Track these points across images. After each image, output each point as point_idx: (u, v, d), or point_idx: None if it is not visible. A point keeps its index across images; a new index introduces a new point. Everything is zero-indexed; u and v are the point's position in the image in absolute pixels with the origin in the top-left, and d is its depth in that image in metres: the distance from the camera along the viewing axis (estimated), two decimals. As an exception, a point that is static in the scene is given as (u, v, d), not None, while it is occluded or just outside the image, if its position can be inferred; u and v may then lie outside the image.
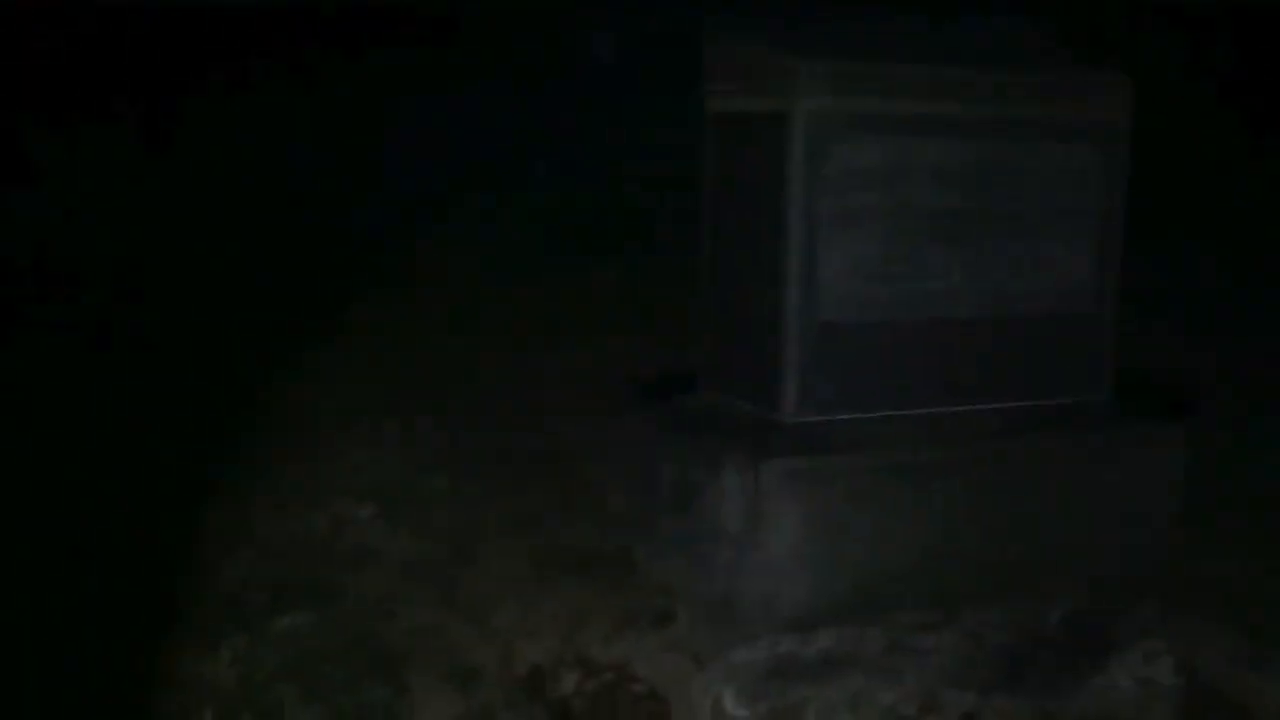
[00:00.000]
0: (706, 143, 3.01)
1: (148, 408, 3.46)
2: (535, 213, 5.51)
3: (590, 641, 2.90)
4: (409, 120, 5.66)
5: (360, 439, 3.47)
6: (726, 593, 2.77)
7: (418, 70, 5.94)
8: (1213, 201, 5.68)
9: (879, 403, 2.85)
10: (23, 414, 3.35)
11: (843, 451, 2.73)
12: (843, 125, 2.70)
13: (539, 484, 3.37)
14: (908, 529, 2.76)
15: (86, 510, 2.99)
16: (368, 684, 2.59)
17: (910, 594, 2.79)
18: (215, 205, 4.86)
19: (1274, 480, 3.64)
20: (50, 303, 3.96)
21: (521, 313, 4.50)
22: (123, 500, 3.03)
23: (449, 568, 3.01)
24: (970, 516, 2.80)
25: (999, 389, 2.94)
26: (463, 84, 6.00)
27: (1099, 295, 3.00)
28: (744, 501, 2.70)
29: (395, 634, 2.75)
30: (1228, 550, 3.21)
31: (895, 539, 2.75)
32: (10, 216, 4.42)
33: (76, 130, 5.00)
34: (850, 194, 2.73)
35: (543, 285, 4.74)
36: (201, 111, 5.39)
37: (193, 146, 5.19)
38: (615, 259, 4.98)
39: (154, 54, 5.35)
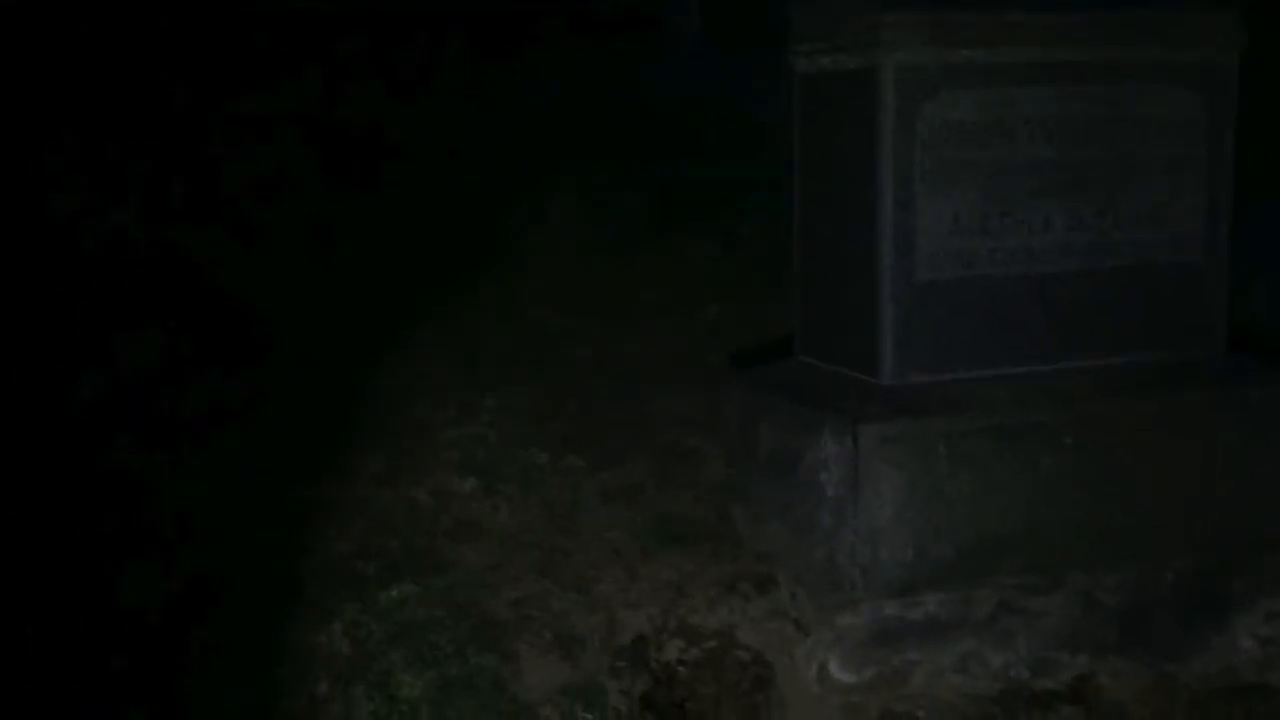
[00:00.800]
0: (795, 104, 2.97)
1: (253, 385, 3.56)
2: (632, 183, 5.52)
3: (693, 609, 2.91)
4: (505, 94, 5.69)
5: (461, 414, 3.51)
6: (828, 559, 2.75)
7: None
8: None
9: (980, 362, 2.79)
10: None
11: (943, 414, 2.68)
12: (934, 78, 2.64)
13: (638, 454, 3.37)
14: (1012, 492, 2.70)
15: (202, 488, 3.09)
16: (475, 652, 2.64)
17: (1016, 558, 2.73)
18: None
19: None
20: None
21: (620, 285, 4.50)
22: (237, 478, 3.12)
23: (550, 539, 3.04)
24: (1077, 478, 2.73)
25: (1105, 345, 2.85)
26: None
27: (1210, 245, 2.89)
28: (843, 466, 2.67)
29: (500, 604, 2.79)
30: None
31: (999, 502, 2.70)
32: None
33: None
34: (944, 148, 2.67)
35: (641, 257, 4.74)
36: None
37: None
38: (713, 228, 4.95)
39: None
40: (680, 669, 2.88)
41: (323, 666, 2.61)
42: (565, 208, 4.99)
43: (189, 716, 2.52)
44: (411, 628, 2.69)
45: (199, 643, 2.66)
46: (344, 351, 3.78)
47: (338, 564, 2.89)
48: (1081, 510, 2.73)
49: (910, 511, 2.65)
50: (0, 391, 3.37)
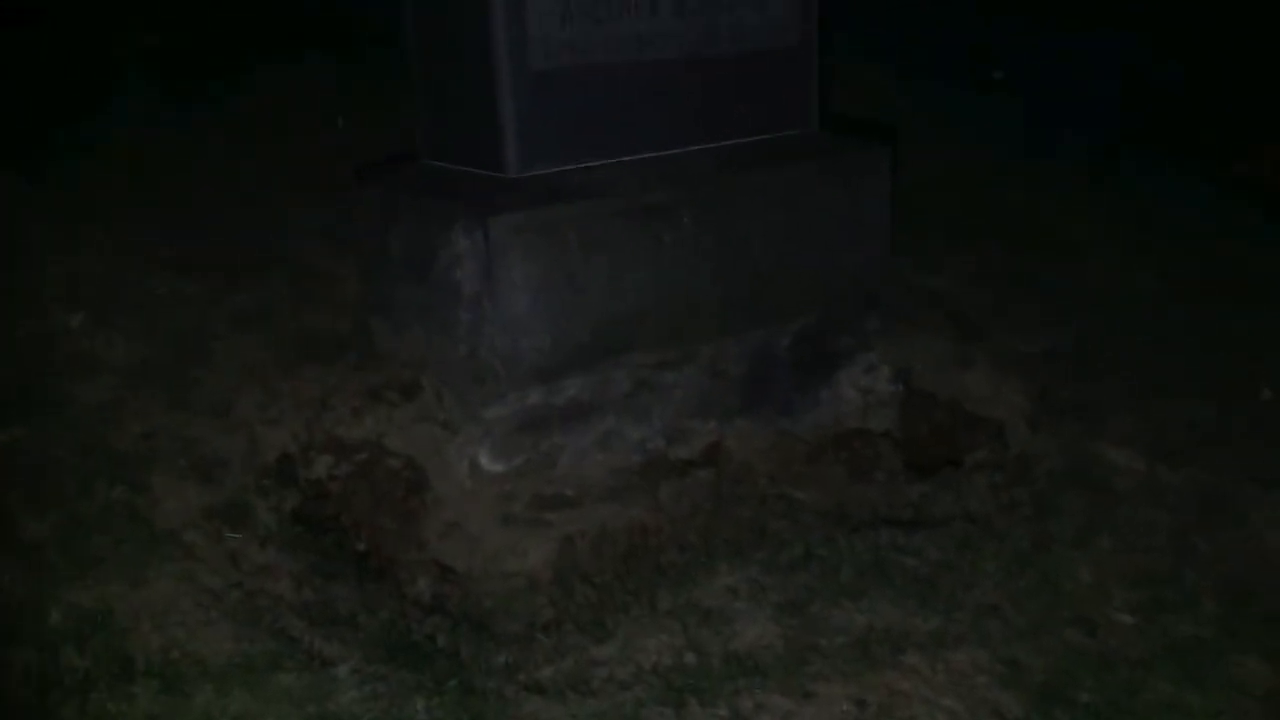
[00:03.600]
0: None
1: None
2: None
3: (338, 422, 2.87)
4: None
5: (69, 244, 3.21)
6: (470, 355, 2.78)
7: None
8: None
9: (604, 151, 2.85)
10: None
11: (569, 201, 2.73)
12: None
13: (269, 276, 3.23)
14: (641, 271, 2.81)
15: None
16: (103, 487, 2.49)
17: (649, 336, 2.86)
18: None
19: (975, 205, 3.91)
20: None
21: (239, 111, 4.22)
22: None
23: (179, 369, 2.88)
24: (699, 253, 2.88)
25: (717, 128, 2.99)
26: None
27: (802, 30, 3.06)
28: (476, 261, 2.68)
29: (127, 438, 2.63)
30: (938, 266, 3.45)
31: (629, 282, 2.80)
32: None
33: None
34: (550, -67, 2.65)
35: (257, 85, 4.45)
36: None
37: None
38: (330, 55, 4.71)
39: None
40: (332, 484, 2.85)
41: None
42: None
43: None
44: (28, 470, 2.49)
45: None
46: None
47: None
48: (705, 283, 2.89)
49: (545, 299, 2.71)
50: None
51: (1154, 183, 4.21)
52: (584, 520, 2.74)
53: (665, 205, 2.82)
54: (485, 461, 2.80)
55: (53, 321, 2.89)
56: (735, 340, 2.98)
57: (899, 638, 2.24)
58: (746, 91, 3.02)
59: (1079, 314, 3.31)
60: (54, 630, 2.18)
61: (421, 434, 2.87)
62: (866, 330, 3.14)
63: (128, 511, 2.45)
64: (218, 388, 2.84)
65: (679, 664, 2.23)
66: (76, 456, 2.55)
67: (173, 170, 3.69)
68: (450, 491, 2.82)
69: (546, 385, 2.78)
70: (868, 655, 2.20)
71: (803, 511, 2.78)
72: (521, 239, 2.66)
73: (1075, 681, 2.16)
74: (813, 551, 2.52)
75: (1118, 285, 3.56)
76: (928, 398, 3.14)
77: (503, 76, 2.68)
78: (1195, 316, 3.39)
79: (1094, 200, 4.04)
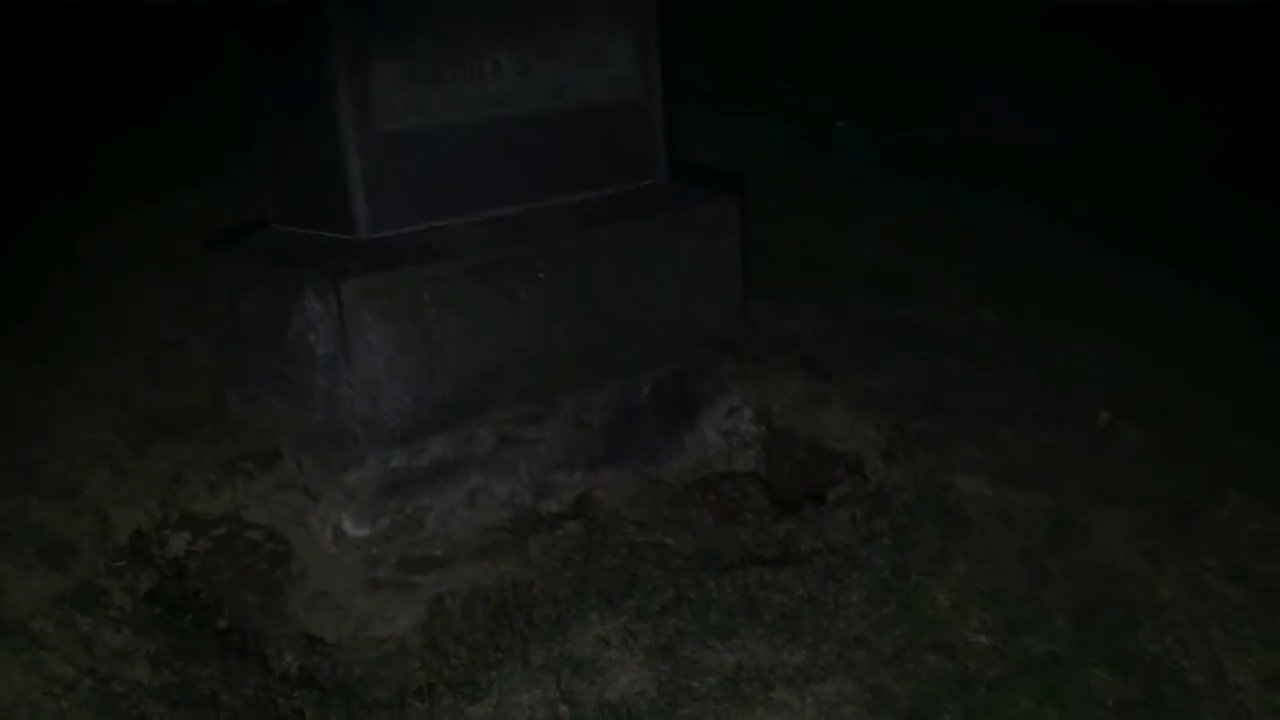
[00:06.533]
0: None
1: None
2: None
3: (194, 498, 2.81)
4: None
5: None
6: (328, 420, 2.74)
7: None
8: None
9: (454, 209, 2.86)
10: None
11: (423, 261, 2.73)
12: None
13: (118, 351, 3.15)
14: (497, 328, 2.82)
15: None
16: (-57, 580, 2.37)
17: (510, 391, 2.87)
18: None
19: (823, 246, 4.04)
20: None
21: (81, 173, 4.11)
22: None
23: (22, 450, 2.78)
24: (555, 308, 2.90)
25: (567, 183, 3.03)
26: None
27: (645, 84, 3.13)
28: (329, 324, 2.65)
29: (-33, 526, 2.52)
30: (791, 309, 3.55)
31: (487, 339, 2.81)
32: None
33: None
34: (389, 2, 2.67)
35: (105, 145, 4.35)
36: None
37: None
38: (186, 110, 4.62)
39: None
40: (189, 560, 2.77)
41: None
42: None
43: None
44: None
45: None
46: None
47: None
48: (562, 336, 2.92)
49: (403, 359, 2.70)
50: None
51: (985, 215, 4.42)
52: (453, 580, 2.72)
53: (518, 261, 2.85)
54: (349, 527, 2.76)
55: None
56: (596, 391, 3.00)
57: (768, 673, 2.28)
58: (594, 146, 3.07)
59: (926, 349, 3.43)
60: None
61: (283, 503, 2.82)
62: (724, 375, 3.21)
63: (-30, 603, 2.35)
64: (64, 469, 2.74)
65: (554, 717, 2.22)
66: (-88, 549, 2.43)
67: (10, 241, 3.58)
68: (315, 560, 2.77)
69: (409, 446, 2.76)
70: (738, 693, 2.23)
71: (673, 556, 2.80)
72: (374, 300, 2.65)
73: (938, 705, 2.22)
74: (682, 595, 2.54)
75: (962, 320, 3.71)
76: (789, 437, 3.21)
77: (348, 138, 2.68)
78: (1033, 347, 3.55)
79: (936, 237, 4.21)
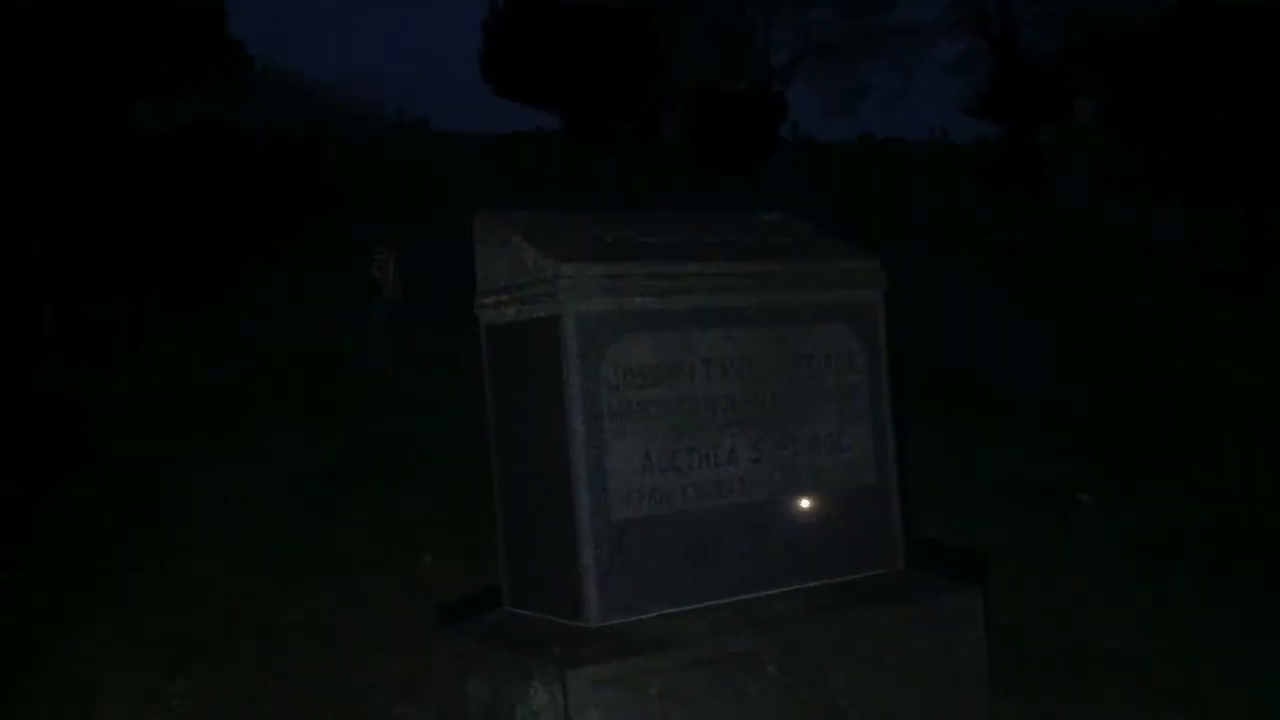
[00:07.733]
0: (484, 355, 3.01)
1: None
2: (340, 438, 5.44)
3: None
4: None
5: (145, 704, 3.20)
6: (547, 816, 2.61)
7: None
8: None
9: (682, 596, 2.81)
10: None
11: (649, 652, 2.65)
12: (614, 324, 2.75)
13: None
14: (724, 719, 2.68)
15: None
16: None
17: (736, 790, 2.68)
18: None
19: (1080, 633, 3.72)
20: None
21: (328, 541, 4.33)
22: None
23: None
24: (783, 701, 2.74)
25: (799, 569, 2.95)
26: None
27: (881, 468, 3.08)
28: (555, 714, 2.58)
29: None
30: (1048, 710, 3.23)
31: (714, 735, 2.66)
32: None
33: None
34: (630, 390, 2.76)
35: (354, 512, 4.61)
36: None
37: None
38: (420, 485, 4.89)
39: None
40: None
41: None
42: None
43: None
44: None
45: None
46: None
47: None
48: (793, 734, 2.74)
49: (627, 754, 2.57)
50: None
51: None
52: None
53: (745, 654, 2.73)
54: None
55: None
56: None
57: None
58: (828, 533, 3.00)
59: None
60: None
61: None
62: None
63: None
64: None
65: None
66: None
67: (256, 611, 3.75)
68: None
69: None
70: None
71: None
72: (601, 692, 2.57)
73: None
74: None
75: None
76: None
77: (584, 526, 2.71)
78: None
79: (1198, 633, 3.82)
